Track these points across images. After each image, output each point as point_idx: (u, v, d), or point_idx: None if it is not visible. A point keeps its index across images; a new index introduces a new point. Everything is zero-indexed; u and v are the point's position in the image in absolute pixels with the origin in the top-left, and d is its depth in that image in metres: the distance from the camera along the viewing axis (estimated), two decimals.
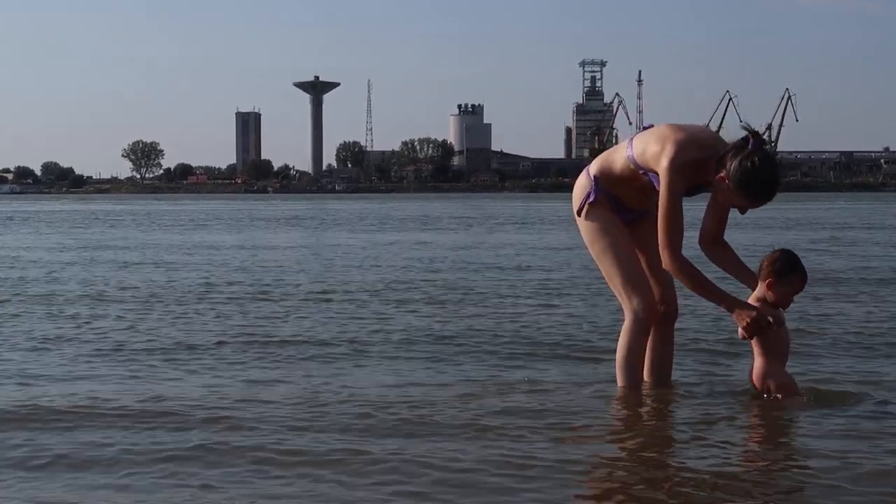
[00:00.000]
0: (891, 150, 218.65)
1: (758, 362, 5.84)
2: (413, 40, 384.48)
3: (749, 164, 5.54)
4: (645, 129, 5.97)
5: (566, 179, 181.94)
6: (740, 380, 6.69)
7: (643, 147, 5.80)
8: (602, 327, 9.14)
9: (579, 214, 6.12)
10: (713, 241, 5.92)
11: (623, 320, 6.10)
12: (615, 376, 6.20)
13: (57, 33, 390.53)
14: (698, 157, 5.66)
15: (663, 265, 5.76)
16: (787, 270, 5.75)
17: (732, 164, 5.56)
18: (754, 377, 5.88)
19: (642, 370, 6.18)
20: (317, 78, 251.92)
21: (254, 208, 66.80)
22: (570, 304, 11.21)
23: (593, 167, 6.11)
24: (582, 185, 6.12)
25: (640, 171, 5.85)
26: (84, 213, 56.72)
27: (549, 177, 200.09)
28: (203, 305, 11.18)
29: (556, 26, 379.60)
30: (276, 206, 75.57)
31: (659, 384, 6.25)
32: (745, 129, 5.66)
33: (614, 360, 6.22)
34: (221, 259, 18.95)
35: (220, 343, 8.41)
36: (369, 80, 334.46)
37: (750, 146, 5.59)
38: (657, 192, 5.90)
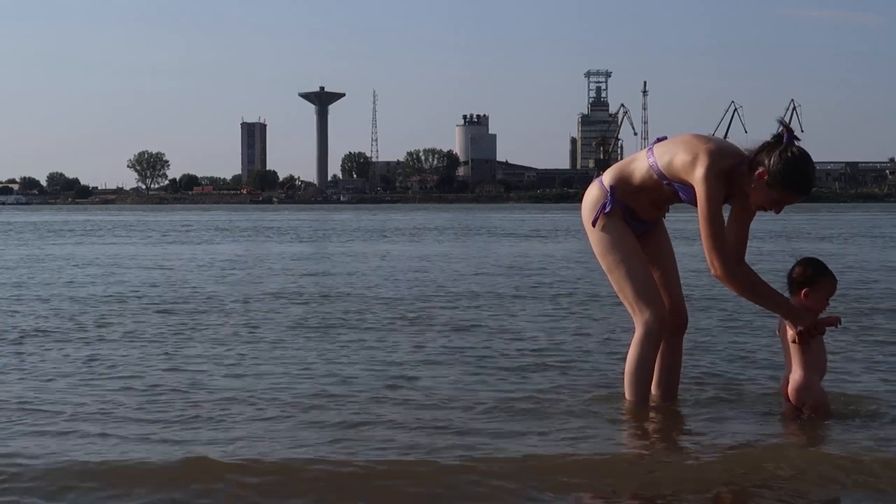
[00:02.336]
0: (895, 161, 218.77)
1: (797, 375, 5.74)
2: (418, 51, 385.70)
3: (790, 154, 5.52)
4: (659, 140, 5.91)
5: (571, 190, 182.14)
6: (751, 391, 6.62)
7: (669, 157, 5.73)
8: (610, 340, 9.05)
9: (593, 225, 6.03)
10: (736, 262, 5.73)
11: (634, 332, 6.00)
12: (623, 389, 6.11)
13: (62, 45, 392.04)
14: (730, 164, 5.62)
15: (712, 273, 5.67)
16: (819, 276, 5.72)
17: (772, 158, 5.52)
18: (790, 389, 5.78)
19: (650, 383, 6.08)
20: (322, 88, 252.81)
21: (262, 218, 66.77)
22: (584, 313, 11.10)
23: (608, 177, 6.02)
24: (595, 195, 6.03)
25: (664, 182, 5.78)
26: (109, 223, 56.71)
27: (555, 187, 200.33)
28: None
29: (561, 37, 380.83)
30: (282, 217, 75.52)
31: (666, 397, 6.18)
32: (779, 122, 5.66)
33: (622, 372, 6.14)
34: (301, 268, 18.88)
35: None
36: (374, 91, 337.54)
37: (786, 139, 5.57)
38: (671, 202, 5.90)
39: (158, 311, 11.58)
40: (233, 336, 9.52)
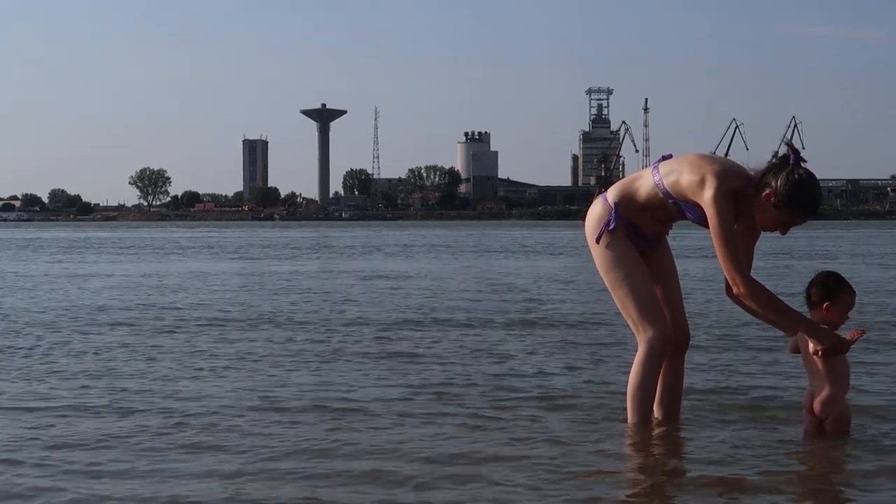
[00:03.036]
0: None
1: (822, 389, 5.73)
2: (420, 68, 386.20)
3: (797, 176, 5.53)
4: (665, 157, 5.89)
5: (573, 207, 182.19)
6: (751, 404, 6.59)
7: (676, 176, 5.73)
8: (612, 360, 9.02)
9: (597, 241, 6.01)
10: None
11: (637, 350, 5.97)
12: (625, 410, 6.07)
13: (64, 62, 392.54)
14: (738, 185, 5.62)
15: (735, 292, 5.63)
16: (839, 288, 5.73)
17: (779, 180, 5.54)
18: (816, 403, 5.75)
19: (653, 403, 6.04)
20: (324, 105, 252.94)
21: (265, 236, 66.77)
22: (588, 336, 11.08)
23: (611, 194, 6.01)
24: (599, 212, 6.02)
25: (670, 200, 5.77)
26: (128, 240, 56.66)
27: (556, 204, 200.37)
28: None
29: (562, 54, 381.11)
30: (281, 234, 75.50)
31: (669, 417, 6.14)
32: (787, 145, 5.68)
33: (625, 392, 6.09)
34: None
35: None
36: (376, 108, 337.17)
37: (792, 160, 5.58)
38: (675, 219, 5.92)
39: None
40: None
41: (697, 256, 27.17)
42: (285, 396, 7.21)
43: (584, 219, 6.12)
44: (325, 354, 9.39)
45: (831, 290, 5.73)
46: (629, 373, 6.02)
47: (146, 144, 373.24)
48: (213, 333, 11.09)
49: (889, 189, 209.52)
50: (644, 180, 5.91)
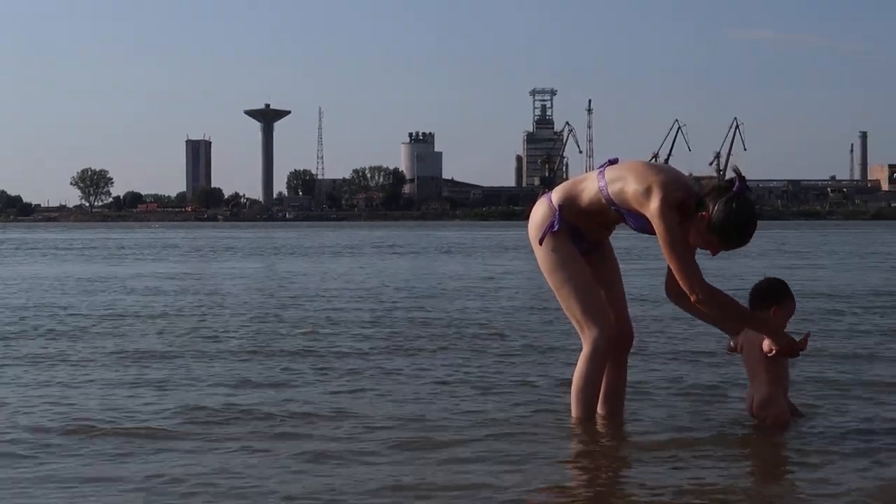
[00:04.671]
0: (837, 178, 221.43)
1: (764, 391, 5.86)
2: (364, 68, 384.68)
3: (734, 206, 5.59)
4: (611, 162, 5.93)
5: (517, 207, 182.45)
6: (698, 407, 6.70)
7: (621, 185, 5.75)
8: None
9: (540, 243, 6.06)
10: (683, 293, 5.82)
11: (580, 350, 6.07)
12: (569, 406, 6.17)
13: (3, 61, 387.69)
14: (682, 197, 5.67)
15: (693, 300, 5.69)
16: (786, 294, 5.89)
17: (717, 205, 5.59)
18: (756, 405, 5.90)
19: (597, 401, 6.14)
20: (267, 106, 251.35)
21: (211, 236, 66.32)
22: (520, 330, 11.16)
23: (556, 196, 6.04)
24: (543, 213, 6.05)
25: (612, 207, 5.82)
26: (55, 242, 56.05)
27: (500, 205, 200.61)
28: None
29: (506, 55, 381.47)
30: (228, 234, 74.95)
31: (613, 414, 6.22)
32: (734, 171, 5.71)
33: (569, 390, 6.19)
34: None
35: None
36: (320, 108, 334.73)
37: (735, 188, 5.64)
38: (617, 223, 5.99)
39: None
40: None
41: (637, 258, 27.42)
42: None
43: (527, 219, 6.15)
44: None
45: (780, 294, 5.88)
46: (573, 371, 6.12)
47: (88, 145, 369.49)
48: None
49: (829, 190, 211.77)
50: (588, 184, 5.93)
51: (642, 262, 24.79)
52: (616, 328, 6.06)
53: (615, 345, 6.06)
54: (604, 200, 5.84)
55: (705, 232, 5.64)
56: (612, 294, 6.14)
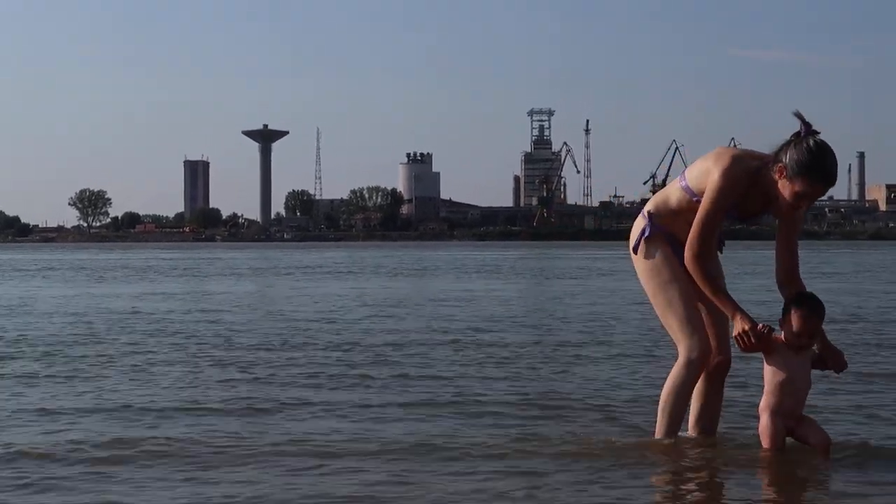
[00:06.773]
0: (835, 199, 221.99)
1: (761, 404, 5.74)
2: (362, 89, 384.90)
3: (807, 144, 5.50)
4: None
5: (515, 227, 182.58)
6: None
7: (697, 172, 5.75)
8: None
9: (635, 252, 5.97)
10: (790, 278, 5.74)
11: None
12: (654, 423, 6.00)
13: (1, 81, 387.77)
14: (753, 165, 5.60)
15: (686, 254, 5.65)
16: (787, 308, 5.66)
17: (790, 153, 5.51)
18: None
19: (683, 414, 5.95)
20: (265, 126, 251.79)
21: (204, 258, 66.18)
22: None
23: (648, 205, 6.03)
24: (637, 224, 6.01)
25: (695, 199, 5.74)
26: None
27: (498, 224, 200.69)
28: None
29: (504, 75, 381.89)
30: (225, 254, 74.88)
31: (704, 434, 6.01)
32: (796, 115, 5.60)
33: (656, 405, 6.01)
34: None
35: None
36: (318, 129, 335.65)
37: (803, 131, 5.55)
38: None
39: None
40: None
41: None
42: None
43: (628, 238, 6.08)
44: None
45: (790, 306, 5.63)
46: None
47: (86, 165, 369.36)
48: None
49: (827, 210, 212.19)
50: (674, 187, 5.92)
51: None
52: (715, 349, 5.88)
53: (713, 366, 5.89)
54: (688, 195, 5.77)
55: (788, 184, 5.51)
56: (713, 313, 5.90)
